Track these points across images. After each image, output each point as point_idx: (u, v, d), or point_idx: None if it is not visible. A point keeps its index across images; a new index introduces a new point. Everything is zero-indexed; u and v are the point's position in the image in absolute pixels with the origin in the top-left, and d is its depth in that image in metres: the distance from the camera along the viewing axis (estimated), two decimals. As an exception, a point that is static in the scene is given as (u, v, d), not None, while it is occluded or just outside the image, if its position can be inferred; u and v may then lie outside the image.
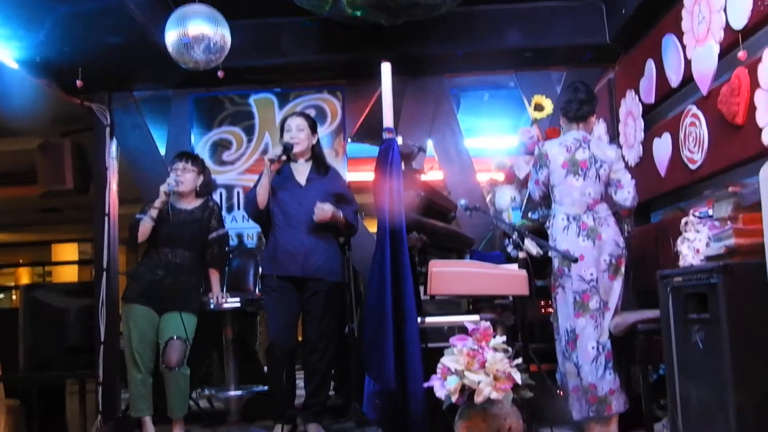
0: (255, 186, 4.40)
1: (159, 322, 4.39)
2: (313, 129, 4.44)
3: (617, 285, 4.02)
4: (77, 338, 5.84)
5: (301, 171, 4.40)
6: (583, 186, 4.08)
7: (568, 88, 4.38)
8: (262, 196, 4.29)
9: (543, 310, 4.56)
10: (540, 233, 4.03)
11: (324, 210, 4.17)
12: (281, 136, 4.43)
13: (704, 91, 3.84)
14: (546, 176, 4.20)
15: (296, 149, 4.35)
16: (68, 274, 12.54)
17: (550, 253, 3.98)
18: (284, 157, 4.32)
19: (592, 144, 4.18)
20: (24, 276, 14.06)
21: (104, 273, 5.49)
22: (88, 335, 5.61)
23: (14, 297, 13.67)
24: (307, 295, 4.27)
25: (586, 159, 4.10)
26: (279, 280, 4.26)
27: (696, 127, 3.94)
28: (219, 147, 5.68)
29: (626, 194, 4.19)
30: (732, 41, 3.53)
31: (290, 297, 4.26)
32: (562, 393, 4.06)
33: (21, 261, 14.07)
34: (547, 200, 4.34)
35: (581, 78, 4.83)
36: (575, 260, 3.80)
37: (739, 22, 3.42)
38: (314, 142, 4.44)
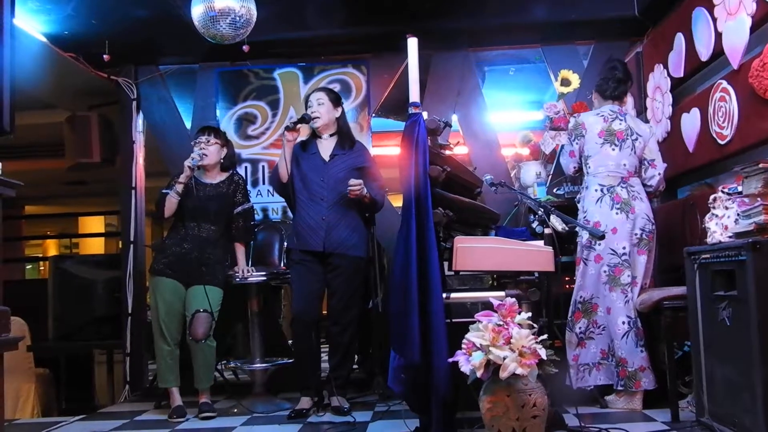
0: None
1: (186, 294, 4.44)
2: (335, 103, 4.43)
3: (645, 260, 4.01)
4: (104, 309, 5.97)
5: (326, 146, 4.41)
6: (619, 157, 4.07)
7: (606, 65, 4.32)
8: (283, 169, 4.32)
9: (567, 286, 4.55)
10: (565, 209, 4.00)
11: (355, 186, 4.17)
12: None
13: (735, 65, 3.78)
14: (581, 147, 4.18)
15: (317, 123, 4.35)
16: (94, 246, 12.65)
17: (576, 229, 3.97)
18: (300, 127, 4.32)
19: (628, 117, 4.17)
20: (51, 248, 14.19)
21: (131, 245, 5.58)
22: (115, 306, 5.71)
23: (42, 268, 13.83)
24: (330, 270, 4.30)
25: (623, 130, 4.09)
26: (302, 254, 4.29)
27: (726, 102, 3.89)
28: (244, 121, 5.70)
29: (656, 175, 4.16)
30: (764, 14, 3.48)
31: (314, 271, 4.29)
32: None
33: (49, 233, 14.22)
34: (579, 174, 4.31)
35: (609, 52, 4.77)
36: (602, 237, 3.78)
37: (772, -6, 3.37)
38: (337, 115, 4.43)
